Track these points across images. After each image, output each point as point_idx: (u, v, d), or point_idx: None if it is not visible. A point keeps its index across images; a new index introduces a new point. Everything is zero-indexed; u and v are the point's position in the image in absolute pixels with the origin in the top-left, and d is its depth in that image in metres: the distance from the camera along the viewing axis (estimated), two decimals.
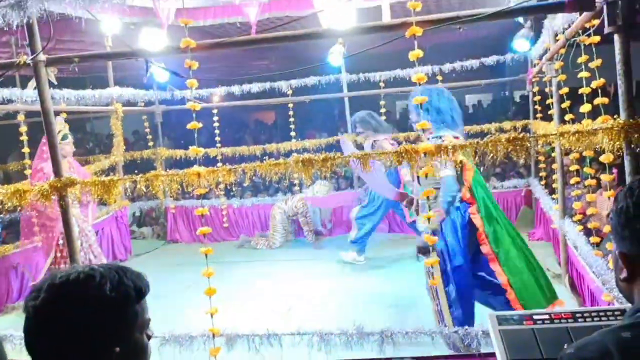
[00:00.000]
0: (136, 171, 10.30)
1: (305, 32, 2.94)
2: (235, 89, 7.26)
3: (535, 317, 2.17)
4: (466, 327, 2.87)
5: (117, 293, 1.14)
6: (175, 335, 3.08)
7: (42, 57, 2.77)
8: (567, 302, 4.94)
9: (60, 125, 5.30)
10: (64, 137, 5.28)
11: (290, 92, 7.32)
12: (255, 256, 7.04)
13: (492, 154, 2.55)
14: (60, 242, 5.36)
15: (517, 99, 13.75)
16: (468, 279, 3.46)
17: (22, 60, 2.76)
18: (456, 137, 3.43)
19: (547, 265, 5.84)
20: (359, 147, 6.42)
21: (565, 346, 1.20)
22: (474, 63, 7.17)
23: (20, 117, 6.16)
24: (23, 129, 6.19)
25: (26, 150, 6.25)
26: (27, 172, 6.21)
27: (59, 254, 5.44)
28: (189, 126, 2.71)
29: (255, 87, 7.26)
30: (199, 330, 3.17)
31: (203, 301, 2.91)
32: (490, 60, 7.22)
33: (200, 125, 2.77)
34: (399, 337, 2.87)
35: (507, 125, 7.68)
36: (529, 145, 2.55)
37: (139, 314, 1.19)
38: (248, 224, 8.02)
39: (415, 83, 2.79)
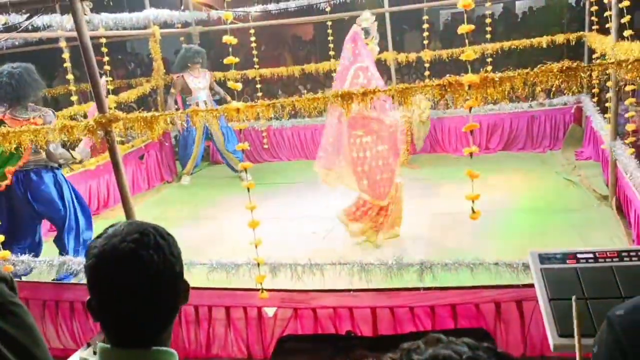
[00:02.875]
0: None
1: None
2: (272, 7, 7.01)
3: (579, 255, 2.14)
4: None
5: (172, 238, 1.24)
6: (222, 263, 3.22)
7: None
8: (612, 224, 4.87)
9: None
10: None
11: (328, 9, 7.02)
12: (298, 178, 7.05)
13: (542, 86, 2.42)
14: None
15: (573, 3, 12.79)
16: None
17: None
18: None
19: (594, 186, 5.71)
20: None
21: (620, 308, 1.14)
22: None
23: (62, 44, 6.19)
24: (66, 55, 6.24)
25: (70, 76, 6.33)
26: (74, 98, 6.35)
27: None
28: (226, 61, 2.66)
29: (293, 3, 6.99)
30: (244, 255, 3.30)
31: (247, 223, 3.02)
32: None
33: (237, 60, 2.71)
34: (438, 268, 2.91)
35: (560, 37, 7.18)
36: (582, 75, 2.39)
37: None
38: (288, 145, 8.06)
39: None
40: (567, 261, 2.13)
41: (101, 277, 1.16)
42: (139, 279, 1.14)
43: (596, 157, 6.43)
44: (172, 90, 7.33)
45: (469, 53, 2.57)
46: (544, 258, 2.17)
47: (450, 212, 4.97)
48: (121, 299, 1.15)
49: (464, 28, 2.51)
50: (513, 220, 5.01)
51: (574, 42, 7.23)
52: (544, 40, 7.22)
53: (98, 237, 1.21)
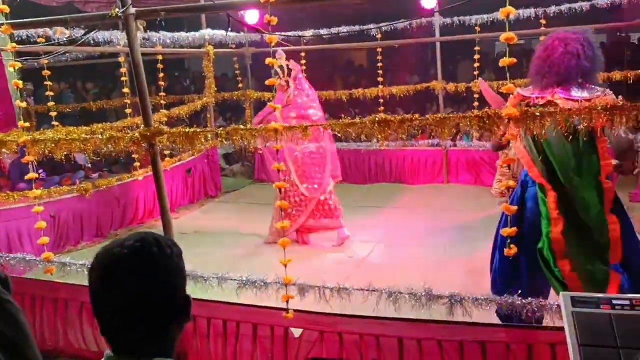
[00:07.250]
0: (228, 114, 10.60)
1: None
2: (324, 32, 7.15)
3: (614, 301, 2.04)
4: (540, 300, 2.77)
5: (177, 250, 1.24)
6: (251, 280, 3.25)
7: (132, 9, 2.88)
8: None
9: None
10: None
11: (379, 36, 7.09)
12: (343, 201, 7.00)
13: (585, 124, 2.35)
14: None
15: (635, 41, 12.40)
16: None
17: (114, 13, 2.88)
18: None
19: None
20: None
21: None
22: (584, 5, 6.48)
23: (121, 59, 6.51)
24: (123, 69, 6.55)
25: (126, 90, 6.63)
26: (128, 110, 6.62)
27: None
28: (267, 82, 2.72)
29: (345, 29, 7.10)
30: (276, 273, 3.31)
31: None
32: (603, 1, 6.49)
33: (278, 81, 2.78)
34: (469, 303, 2.84)
35: (617, 75, 6.95)
36: (627, 115, 2.31)
37: None
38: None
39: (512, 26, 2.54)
40: (601, 306, 2.03)
41: (91, 281, 1.19)
42: (124, 285, 1.15)
43: None
44: None
45: (510, 86, 2.54)
46: (576, 301, 2.08)
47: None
48: (106, 304, 1.17)
49: (505, 61, 2.49)
50: None
51: (632, 81, 6.96)
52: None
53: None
